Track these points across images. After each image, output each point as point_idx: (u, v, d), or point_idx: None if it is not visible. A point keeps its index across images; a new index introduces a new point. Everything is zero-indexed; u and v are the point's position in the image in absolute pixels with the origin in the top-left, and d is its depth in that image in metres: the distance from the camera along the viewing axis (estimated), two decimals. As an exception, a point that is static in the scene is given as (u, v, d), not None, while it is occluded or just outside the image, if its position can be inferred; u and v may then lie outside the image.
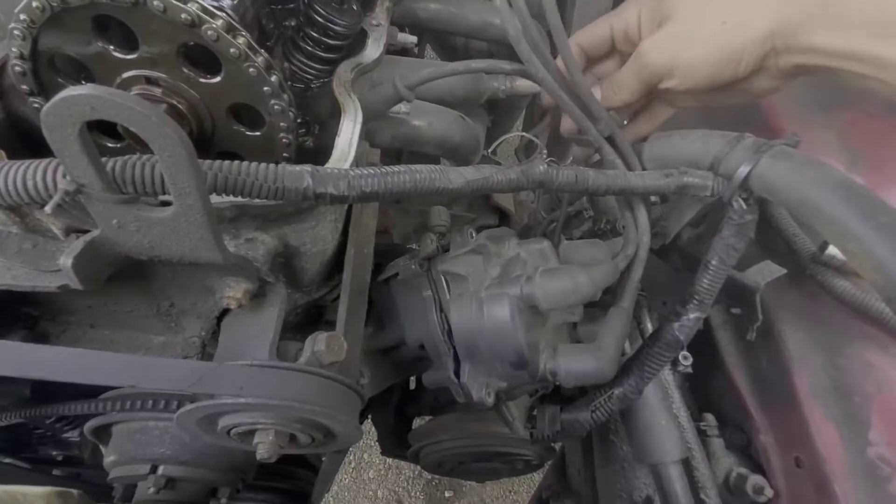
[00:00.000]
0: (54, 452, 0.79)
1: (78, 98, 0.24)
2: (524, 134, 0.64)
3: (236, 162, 0.31)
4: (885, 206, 0.46)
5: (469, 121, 0.74)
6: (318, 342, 0.40)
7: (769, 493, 0.62)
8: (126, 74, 0.38)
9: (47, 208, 0.28)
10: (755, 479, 0.62)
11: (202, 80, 0.39)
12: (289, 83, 0.47)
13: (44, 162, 0.29)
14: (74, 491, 0.36)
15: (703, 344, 0.72)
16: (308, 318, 0.59)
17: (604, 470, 0.74)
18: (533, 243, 0.49)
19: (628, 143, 0.51)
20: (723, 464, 0.66)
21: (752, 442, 0.68)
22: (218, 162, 0.31)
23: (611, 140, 0.51)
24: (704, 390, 0.74)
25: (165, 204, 0.33)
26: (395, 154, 0.81)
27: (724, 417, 0.70)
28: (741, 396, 0.69)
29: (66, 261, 0.31)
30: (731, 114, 0.84)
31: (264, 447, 0.38)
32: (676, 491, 0.60)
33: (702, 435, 0.67)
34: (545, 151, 0.46)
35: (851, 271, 0.63)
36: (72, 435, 0.76)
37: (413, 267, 0.55)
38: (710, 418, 0.69)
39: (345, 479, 1.62)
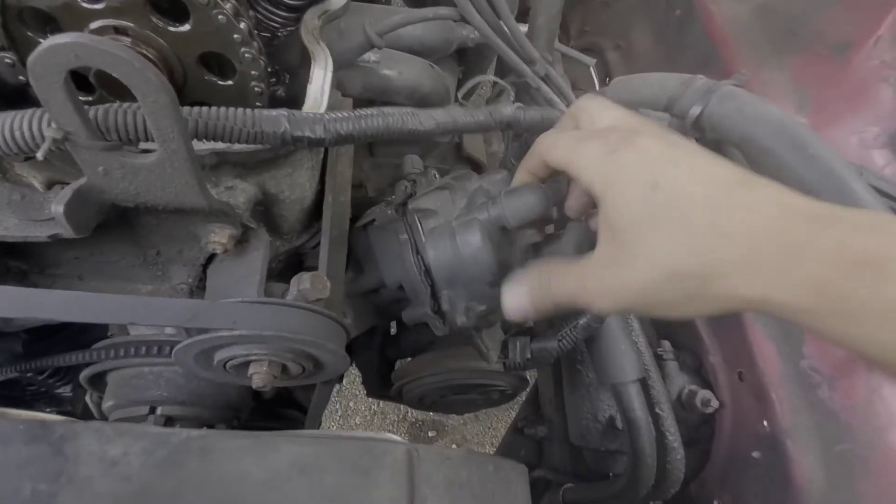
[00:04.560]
0: (48, 409, 0.82)
1: (63, 47, 0.25)
2: (495, 79, 0.66)
3: (215, 108, 0.33)
4: (815, 138, 0.51)
5: (438, 69, 0.75)
6: (302, 281, 0.43)
7: (715, 404, 0.70)
8: (94, 25, 0.38)
9: (38, 155, 0.29)
10: (703, 394, 0.70)
11: (171, 28, 0.39)
12: (256, 32, 0.47)
13: (30, 111, 0.30)
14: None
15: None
16: (290, 266, 0.61)
17: (572, 396, 0.81)
18: (493, 174, 0.52)
19: (562, 82, 0.53)
20: (676, 383, 0.73)
21: (703, 362, 0.75)
22: (198, 108, 0.32)
23: (546, 79, 0.53)
24: (662, 319, 0.80)
25: (149, 152, 0.34)
26: (367, 105, 0.82)
27: (679, 343, 0.77)
28: (694, 322, 0.75)
29: (57, 208, 0.33)
30: (692, 57, 0.87)
31: (259, 377, 0.42)
32: (634, 406, 0.67)
33: (658, 359, 0.73)
34: (513, 94, 0.48)
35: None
36: (64, 391, 0.78)
37: (389, 212, 0.57)
38: (666, 344, 0.76)
39: (333, 426, 1.70)
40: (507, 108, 0.43)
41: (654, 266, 0.32)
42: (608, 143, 0.34)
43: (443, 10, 0.60)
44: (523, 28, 0.85)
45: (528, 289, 0.40)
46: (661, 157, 0.33)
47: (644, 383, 0.69)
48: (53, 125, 0.29)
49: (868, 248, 0.26)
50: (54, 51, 0.25)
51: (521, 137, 0.78)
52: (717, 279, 0.30)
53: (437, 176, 0.54)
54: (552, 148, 0.39)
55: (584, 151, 0.36)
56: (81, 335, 0.66)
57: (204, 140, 0.34)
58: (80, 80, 0.43)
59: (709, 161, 0.33)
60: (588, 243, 0.51)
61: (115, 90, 0.40)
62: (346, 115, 0.36)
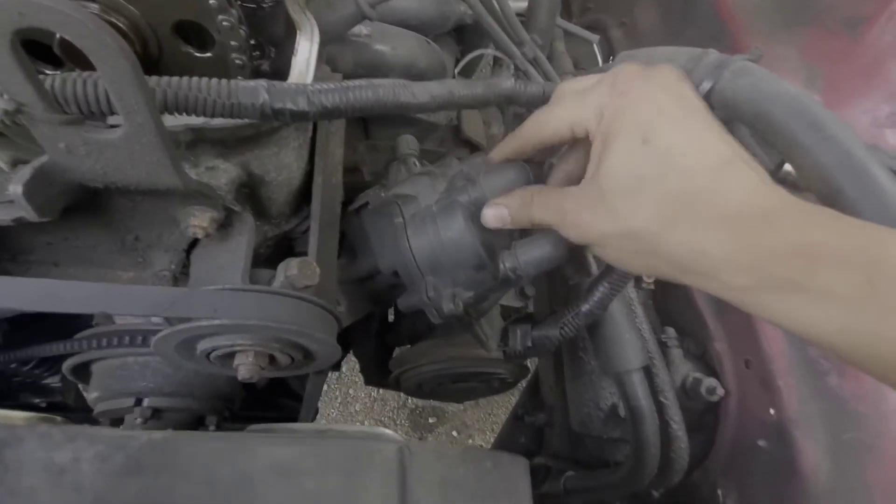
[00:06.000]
0: (36, 400, 0.80)
1: (4, 4, 0.22)
2: (496, 53, 0.63)
3: (186, 77, 0.30)
4: (833, 119, 0.48)
5: (434, 45, 0.72)
6: (290, 267, 0.40)
7: (721, 392, 0.68)
8: (55, -12, 0.35)
9: (-13, 128, 0.26)
10: (709, 382, 0.68)
11: (141, -7, 0.36)
12: (238, 2, 0.44)
13: (-24, 79, 0.27)
14: (57, 417, 0.36)
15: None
16: (279, 252, 0.59)
17: (573, 383, 0.79)
18: (473, 157, 0.50)
19: (550, 66, 0.52)
20: (681, 370, 0.71)
21: (708, 350, 0.73)
22: (166, 78, 0.29)
23: (535, 63, 0.51)
24: (666, 305, 0.78)
25: (116, 127, 0.32)
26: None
27: (683, 330, 0.75)
28: (698, 309, 0.73)
29: (16, 189, 0.30)
30: (699, 33, 0.83)
31: (245, 368, 0.39)
32: (638, 394, 0.65)
33: (663, 346, 0.71)
34: (513, 67, 0.46)
35: (804, 188, 0.66)
36: (52, 381, 0.76)
37: (382, 195, 0.55)
38: (670, 331, 0.73)
39: (332, 413, 1.70)
40: (507, 82, 0.41)
41: (616, 221, 0.34)
42: (615, 85, 0.35)
43: (439, -19, 0.57)
44: (524, 3, 0.81)
45: (511, 202, 0.42)
46: (662, 111, 0.33)
47: (648, 371, 0.67)
48: (4, 96, 0.26)
49: (806, 242, 0.30)
50: (-6, 7, 0.22)
51: (522, 117, 0.75)
52: (665, 247, 0.33)
53: (417, 163, 0.53)
54: (550, 120, 0.39)
55: (589, 97, 0.36)
56: (66, 324, 0.64)
57: (176, 114, 0.31)
58: (47, 53, 0.40)
59: (706, 128, 0.34)
60: None
61: (84, 62, 0.38)
62: (331, 86, 0.33)
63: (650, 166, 0.33)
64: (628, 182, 0.33)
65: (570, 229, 0.38)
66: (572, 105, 0.38)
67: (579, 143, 0.42)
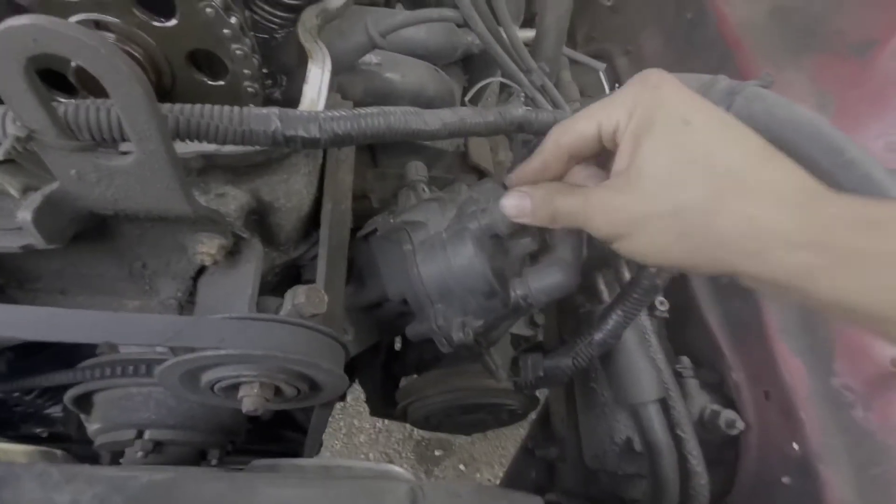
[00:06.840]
0: (38, 430, 0.78)
1: (19, 29, 0.22)
2: (504, 80, 0.64)
3: (199, 105, 0.30)
4: (850, 143, 0.47)
5: (443, 73, 0.73)
6: (297, 295, 0.39)
7: (740, 425, 0.65)
8: (73, 19, 0.36)
9: (-2, 155, 0.26)
10: (727, 414, 0.65)
11: (156, 24, 0.37)
12: (251, 33, 0.45)
13: (-10, 107, 0.27)
14: (58, 451, 0.35)
15: (678, 289, 0.74)
16: (287, 279, 0.58)
17: (586, 416, 0.77)
18: (483, 183, 0.50)
19: (558, 93, 0.52)
20: (698, 402, 0.69)
21: (725, 380, 0.71)
22: (179, 105, 0.29)
23: (543, 90, 0.52)
24: (680, 334, 0.76)
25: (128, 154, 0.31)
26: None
27: (698, 359, 0.73)
28: (714, 338, 0.71)
29: (24, 215, 0.30)
30: (704, 61, 0.84)
31: (249, 400, 0.38)
32: (655, 428, 0.62)
33: (678, 376, 0.69)
34: (523, 95, 0.46)
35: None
36: (54, 411, 0.75)
37: (392, 221, 0.54)
38: (685, 360, 0.71)
39: (336, 445, 1.66)
40: (518, 109, 0.40)
41: (661, 199, 0.32)
42: (647, 82, 0.35)
43: (447, 12, 0.58)
44: (531, 33, 0.82)
45: (531, 194, 0.40)
46: (696, 100, 0.34)
47: (664, 403, 0.65)
48: (17, 122, 0.26)
49: (869, 212, 0.29)
50: (10, 35, 0.22)
51: (530, 144, 0.75)
52: (719, 222, 0.31)
53: (426, 189, 0.53)
54: (576, 122, 0.38)
55: (619, 97, 0.35)
56: (71, 353, 0.63)
57: (188, 141, 0.31)
58: (60, 78, 0.40)
59: (739, 122, 0.34)
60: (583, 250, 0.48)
61: (99, 91, 0.38)
62: (343, 113, 0.33)
63: (695, 143, 0.32)
64: (672, 160, 0.32)
65: (597, 217, 0.35)
66: (599, 106, 0.37)
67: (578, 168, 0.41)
